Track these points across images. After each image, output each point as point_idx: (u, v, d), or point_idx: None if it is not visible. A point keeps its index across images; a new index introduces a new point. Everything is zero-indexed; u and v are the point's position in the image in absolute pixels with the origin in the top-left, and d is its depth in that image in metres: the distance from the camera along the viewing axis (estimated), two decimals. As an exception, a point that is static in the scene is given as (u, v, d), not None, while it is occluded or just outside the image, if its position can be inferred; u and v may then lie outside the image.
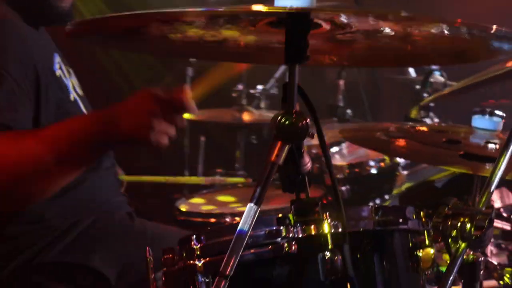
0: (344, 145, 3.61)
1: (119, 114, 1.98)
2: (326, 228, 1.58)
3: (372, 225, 1.65)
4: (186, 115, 4.05)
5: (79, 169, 2.08)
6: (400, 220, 1.70)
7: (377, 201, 3.17)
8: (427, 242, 1.74)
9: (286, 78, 4.21)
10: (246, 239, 1.47)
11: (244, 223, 1.46)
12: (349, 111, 3.89)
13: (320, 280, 1.57)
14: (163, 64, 4.82)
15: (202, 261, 1.64)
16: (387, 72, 4.24)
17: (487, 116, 1.91)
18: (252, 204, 1.46)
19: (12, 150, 1.97)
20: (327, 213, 1.60)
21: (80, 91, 2.41)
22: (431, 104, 3.19)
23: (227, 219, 3.17)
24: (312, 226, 1.59)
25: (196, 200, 3.57)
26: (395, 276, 1.67)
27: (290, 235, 1.58)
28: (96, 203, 2.39)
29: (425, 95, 3.21)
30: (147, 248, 1.82)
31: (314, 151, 3.64)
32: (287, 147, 1.49)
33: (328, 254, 1.56)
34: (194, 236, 1.68)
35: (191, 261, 1.66)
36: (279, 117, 1.49)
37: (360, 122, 3.95)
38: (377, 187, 3.19)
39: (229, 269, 1.45)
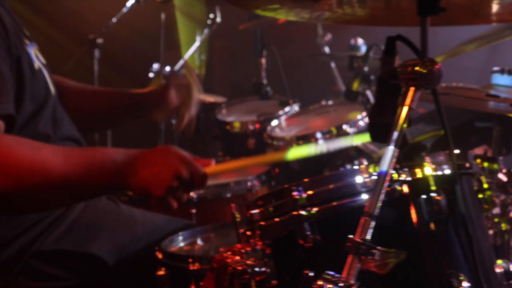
0: (282, 119, 3.76)
1: (143, 163, 1.96)
2: (429, 171, 1.72)
3: (455, 169, 1.80)
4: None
5: (82, 197, 2.08)
6: (467, 165, 1.87)
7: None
8: (485, 185, 1.95)
9: (196, 61, 4.26)
10: (385, 178, 1.56)
11: (384, 164, 1.56)
12: (269, 88, 4.04)
13: (425, 219, 1.71)
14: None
15: (309, 210, 1.71)
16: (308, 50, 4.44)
17: (506, 75, 2.14)
18: (391, 147, 1.56)
19: (28, 156, 1.88)
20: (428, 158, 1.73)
21: (42, 59, 2.31)
22: (372, 77, 3.41)
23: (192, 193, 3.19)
24: (418, 170, 1.72)
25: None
26: (475, 216, 1.83)
27: (401, 178, 1.70)
28: None
29: (366, 68, 3.42)
30: (232, 204, 1.87)
31: (251, 127, 3.77)
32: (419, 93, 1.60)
33: (434, 195, 1.70)
34: (295, 187, 1.75)
35: (296, 211, 1.72)
36: (415, 66, 1.60)
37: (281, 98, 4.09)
38: (328, 158, 3.34)
39: (374, 208, 1.54)
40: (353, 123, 3.36)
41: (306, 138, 3.39)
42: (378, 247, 1.53)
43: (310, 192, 1.74)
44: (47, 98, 2.21)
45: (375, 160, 2.73)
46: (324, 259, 1.73)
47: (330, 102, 3.85)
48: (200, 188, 2.09)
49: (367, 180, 1.73)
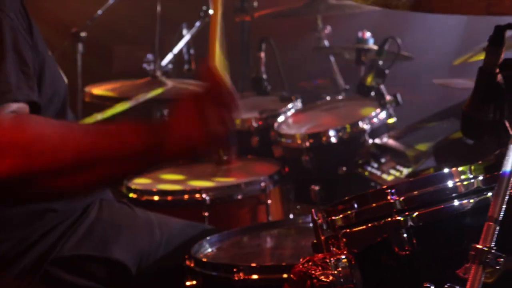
0: (287, 115, 3.60)
1: (166, 128, 1.76)
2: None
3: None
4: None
5: (121, 176, 1.88)
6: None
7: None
8: None
9: (184, 54, 4.08)
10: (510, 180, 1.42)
11: (507, 164, 1.42)
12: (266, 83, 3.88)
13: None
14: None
15: (407, 215, 1.56)
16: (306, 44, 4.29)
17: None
18: (514, 145, 1.42)
19: (57, 135, 1.70)
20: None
21: None
22: (387, 71, 3.28)
23: (204, 195, 3.01)
24: None
25: (142, 180, 3.34)
26: None
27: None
28: None
29: (380, 62, 3.29)
30: (313, 210, 1.71)
31: (254, 124, 3.60)
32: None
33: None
34: (389, 190, 1.59)
35: (392, 217, 1.57)
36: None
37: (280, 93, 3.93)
38: (342, 156, 3.21)
39: (498, 212, 1.40)
40: (368, 120, 3.21)
41: (317, 136, 3.23)
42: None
43: (406, 196, 1.59)
44: (62, 84, 2.11)
45: (410, 159, 2.59)
46: (420, 269, 1.59)
47: (340, 97, 3.70)
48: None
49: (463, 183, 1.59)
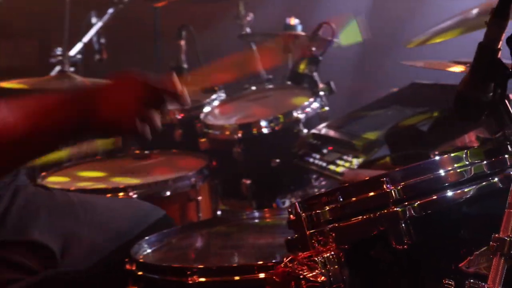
0: (213, 106, 3.39)
1: (101, 96, 1.76)
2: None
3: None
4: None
5: (51, 147, 1.81)
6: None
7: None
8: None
9: (94, 43, 3.80)
10: None
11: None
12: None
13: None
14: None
15: (406, 206, 1.41)
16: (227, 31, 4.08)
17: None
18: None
19: None
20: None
21: None
22: (320, 58, 3.14)
23: (131, 193, 2.77)
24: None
25: (58, 178, 3.06)
26: None
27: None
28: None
29: (314, 48, 3.14)
30: (296, 203, 1.52)
31: (177, 116, 3.39)
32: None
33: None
34: (385, 179, 1.44)
35: (389, 208, 1.42)
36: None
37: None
38: (275, 148, 3.04)
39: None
40: (301, 109, 3.06)
41: (248, 127, 3.05)
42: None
43: (404, 184, 1.44)
44: None
45: (358, 149, 2.45)
46: (420, 263, 1.45)
47: (269, 86, 3.52)
48: (182, 105, 1.88)
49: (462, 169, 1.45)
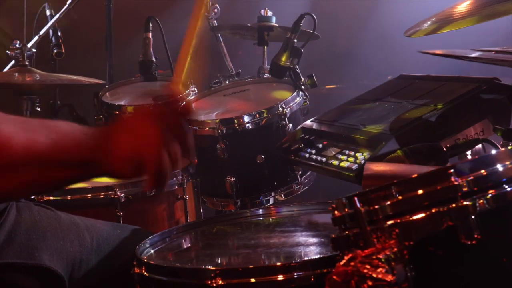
0: (190, 100, 3.27)
1: (120, 130, 1.59)
2: None
3: None
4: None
5: (55, 182, 1.60)
6: None
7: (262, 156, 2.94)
8: None
9: (51, 37, 3.65)
10: None
11: None
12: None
13: None
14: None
15: (475, 199, 1.36)
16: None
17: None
18: None
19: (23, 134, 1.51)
20: None
21: None
22: (302, 50, 3.07)
23: (118, 193, 2.64)
24: None
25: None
26: None
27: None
28: None
29: (295, 41, 3.06)
30: (355, 198, 1.43)
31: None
32: None
33: None
34: (453, 171, 1.38)
35: (458, 201, 1.36)
36: None
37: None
38: (259, 143, 2.95)
39: None
40: (285, 104, 2.98)
41: (230, 122, 2.95)
42: None
43: (473, 176, 1.38)
44: None
45: (360, 143, 2.37)
46: (491, 258, 1.39)
47: (248, 79, 3.42)
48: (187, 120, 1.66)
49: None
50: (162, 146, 1.55)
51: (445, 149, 2.15)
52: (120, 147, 1.54)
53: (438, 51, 2.12)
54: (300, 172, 2.98)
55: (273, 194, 2.98)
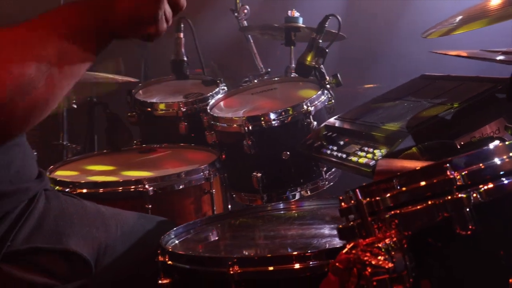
0: (217, 99, 3.38)
1: None
2: None
3: None
4: None
5: (80, 67, 1.59)
6: None
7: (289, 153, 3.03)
8: None
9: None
10: None
11: None
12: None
13: None
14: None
15: (470, 192, 1.43)
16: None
17: None
18: None
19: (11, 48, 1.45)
20: None
21: None
22: (327, 50, 3.15)
23: (147, 186, 2.76)
24: None
25: (66, 172, 3.02)
26: None
27: None
28: (35, 181, 2.06)
29: (320, 41, 3.15)
30: (357, 190, 1.52)
31: (183, 109, 3.38)
32: None
33: None
34: (448, 165, 1.46)
35: (454, 194, 1.43)
36: None
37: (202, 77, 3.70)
38: (285, 140, 3.04)
39: None
40: (310, 102, 3.07)
41: (257, 119, 3.04)
42: None
43: (468, 170, 1.45)
44: None
45: (379, 140, 2.46)
46: (485, 250, 1.46)
47: (275, 79, 3.52)
48: None
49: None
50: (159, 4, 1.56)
51: (458, 147, 2.21)
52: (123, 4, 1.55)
53: (462, 53, 2.19)
54: (325, 169, 3.06)
55: (299, 189, 3.06)
